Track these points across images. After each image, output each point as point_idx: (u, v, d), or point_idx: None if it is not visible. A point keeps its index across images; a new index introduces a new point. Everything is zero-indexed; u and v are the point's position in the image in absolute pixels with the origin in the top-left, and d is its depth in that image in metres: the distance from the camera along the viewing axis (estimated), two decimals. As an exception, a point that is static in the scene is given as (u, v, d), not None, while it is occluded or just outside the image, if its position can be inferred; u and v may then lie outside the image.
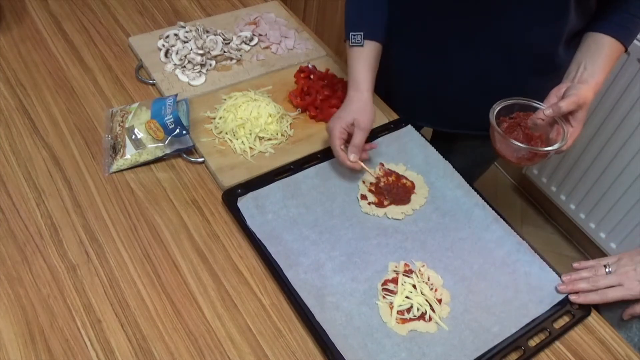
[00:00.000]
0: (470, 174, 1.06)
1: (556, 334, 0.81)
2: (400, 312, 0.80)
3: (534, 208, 2.12)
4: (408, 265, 0.86)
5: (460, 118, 1.13)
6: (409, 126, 1.09)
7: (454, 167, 1.02)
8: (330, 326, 0.77)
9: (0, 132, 0.97)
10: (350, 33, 0.98)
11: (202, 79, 1.12)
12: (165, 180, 0.94)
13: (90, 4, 1.28)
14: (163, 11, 1.30)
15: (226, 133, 1.01)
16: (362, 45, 0.97)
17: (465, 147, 1.18)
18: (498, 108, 0.93)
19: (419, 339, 0.78)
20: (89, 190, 0.91)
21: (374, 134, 1.04)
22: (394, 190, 0.96)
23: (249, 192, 0.92)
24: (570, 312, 0.84)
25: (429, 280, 0.85)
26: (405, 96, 1.13)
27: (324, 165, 0.99)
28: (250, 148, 0.99)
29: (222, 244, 0.87)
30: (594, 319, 0.85)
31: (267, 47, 1.23)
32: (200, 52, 1.14)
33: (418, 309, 0.80)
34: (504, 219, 0.94)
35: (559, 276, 0.87)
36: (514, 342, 0.79)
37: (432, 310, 0.81)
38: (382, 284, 0.83)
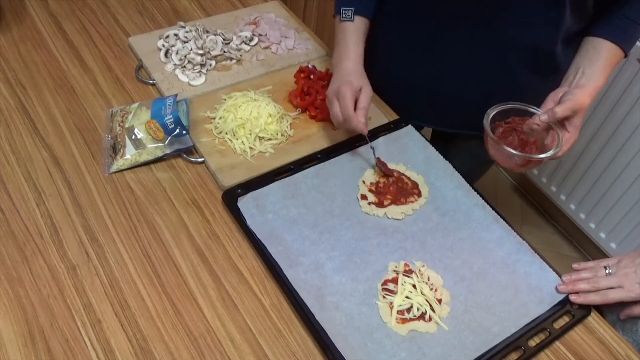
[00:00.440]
0: (470, 174, 1.06)
1: (556, 334, 0.81)
2: (400, 312, 0.80)
3: (534, 208, 2.12)
4: (408, 265, 0.86)
5: (458, 118, 1.13)
6: (409, 126, 1.09)
7: (454, 167, 1.02)
8: (330, 326, 0.77)
9: (0, 132, 0.97)
10: (342, 8, 1.02)
11: (202, 79, 1.12)
12: (165, 180, 0.94)
13: (90, 4, 1.28)
14: (163, 11, 1.30)
15: (226, 133, 1.01)
16: (352, 20, 1.01)
17: (465, 148, 1.18)
18: (493, 113, 0.92)
19: (419, 339, 0.78)
20: (89, 190, 0.91)
21: (374, 134, 1.04)
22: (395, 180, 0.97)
23: (249, 192, 0.92)
24: (570, 312, 0.84)
25: (429, 280, 0.85)
26: (404, 96, 1.13)
27: (324, 165, 0.99)
28: (250, 148, 0.99)
29: (222, 243, 0.87)
30: (594, 319, 0.84)
31: (267, 47, 1.23)
32: (200, 52, 1.14)
33: (418, 309, 0.80)
34: (504, 219, 0.94)
35: (559, 276, 0.87)
36: (514, 342, 0.79)
37: (432, 310, 0.81)
38: (382, 284, 0.83)
